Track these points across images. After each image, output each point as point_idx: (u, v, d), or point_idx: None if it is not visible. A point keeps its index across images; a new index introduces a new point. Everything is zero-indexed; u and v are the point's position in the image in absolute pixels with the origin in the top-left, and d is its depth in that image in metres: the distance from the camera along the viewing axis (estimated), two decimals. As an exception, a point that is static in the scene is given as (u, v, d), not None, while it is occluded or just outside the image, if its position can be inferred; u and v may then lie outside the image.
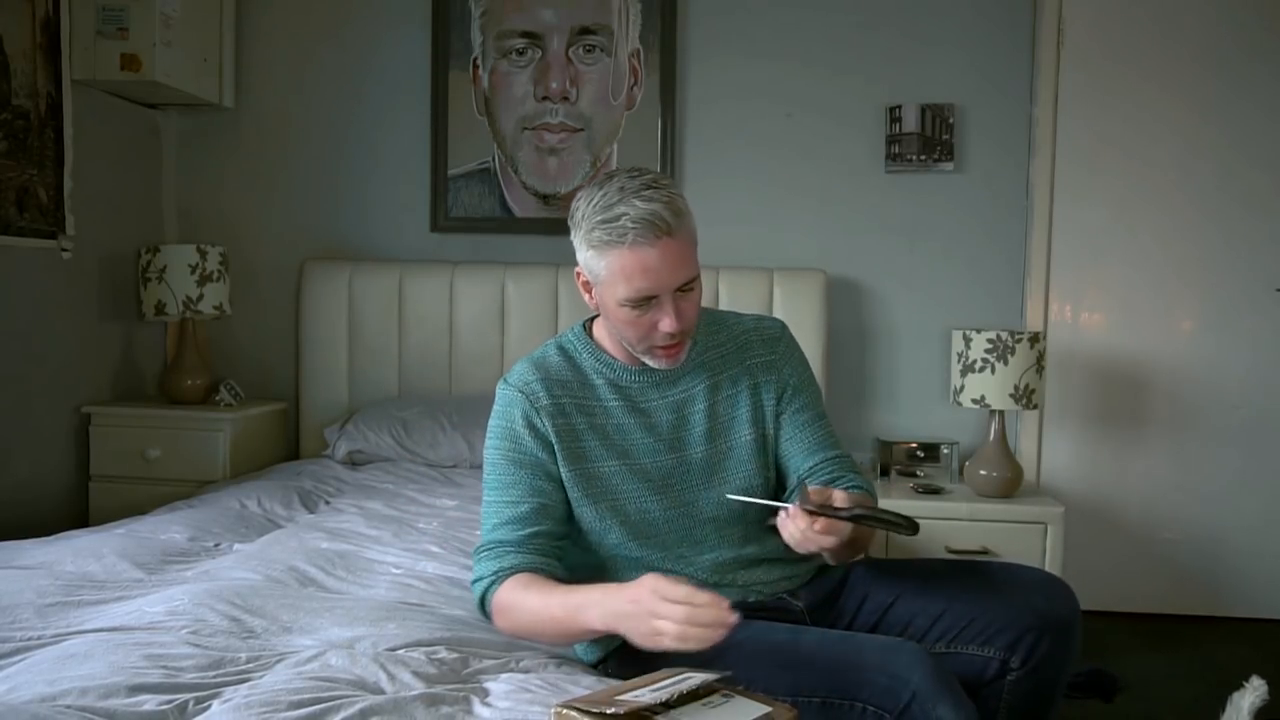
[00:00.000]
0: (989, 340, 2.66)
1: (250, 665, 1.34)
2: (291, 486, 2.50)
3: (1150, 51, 3.03)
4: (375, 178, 3.24)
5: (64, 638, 1.44)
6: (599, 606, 1.28)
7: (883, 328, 3.13)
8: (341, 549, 1.94)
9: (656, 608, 1.18)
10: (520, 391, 1.50)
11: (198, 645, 1.38)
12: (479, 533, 1.52)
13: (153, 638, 1.41)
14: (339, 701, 1.19)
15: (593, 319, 1.59)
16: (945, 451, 2.99)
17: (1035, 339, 2.68)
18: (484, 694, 1.29)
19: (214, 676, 1.29)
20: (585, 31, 3.10)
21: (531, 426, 1.48)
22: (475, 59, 3.14)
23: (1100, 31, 3.03)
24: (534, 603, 1.36)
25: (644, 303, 1.39)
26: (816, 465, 1.54)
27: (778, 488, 1.58)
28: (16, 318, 2.61)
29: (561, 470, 1.47)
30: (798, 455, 1.55)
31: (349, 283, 3.10)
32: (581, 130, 3.13)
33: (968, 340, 2.71)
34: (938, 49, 3.06)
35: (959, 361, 2.73)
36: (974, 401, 2.69)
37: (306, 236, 3.25)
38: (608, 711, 1.03)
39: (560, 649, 1.50)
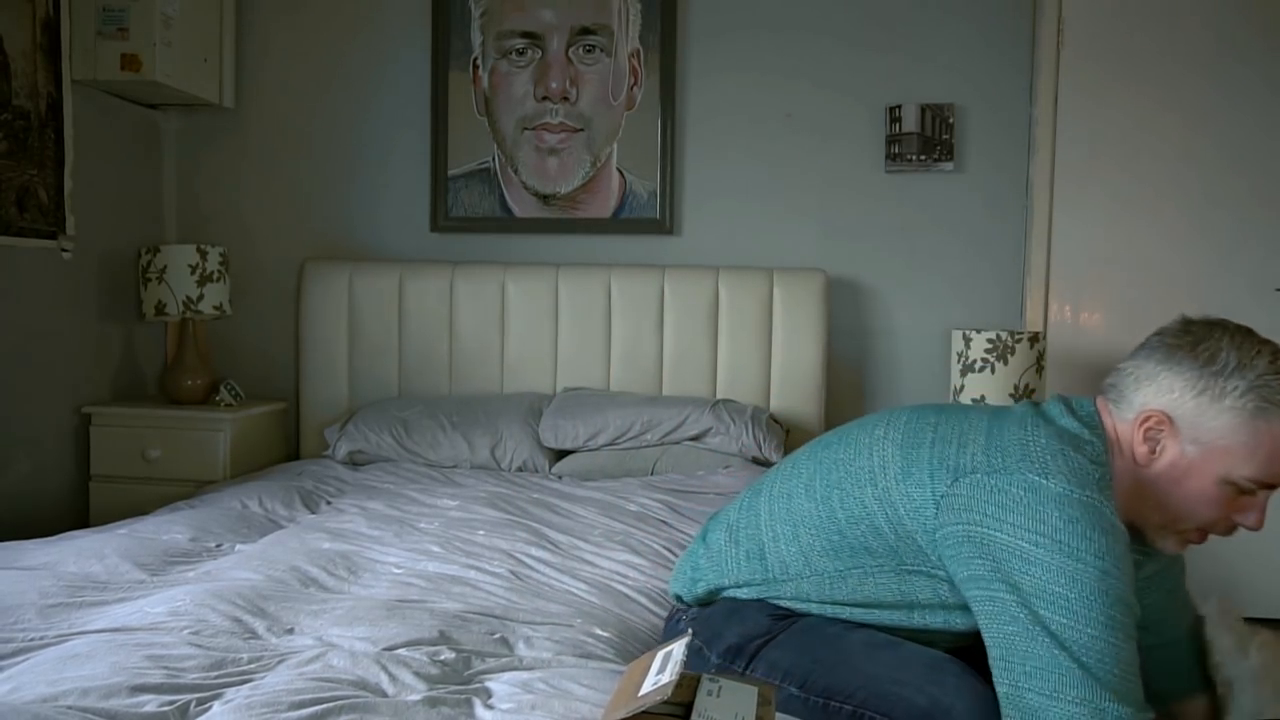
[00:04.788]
0: (989, 340, 2.67)
1: (252, 666, 1.34)
2: (292, 486, 2.49)
3: (1149, 51, 3.03)
4: (375, 178, 3.24)
5: (66, 638, 1.44)
6: None
7: (883, 328, 3.13)
8: (343, 549, 1.94)
9: None
10: (1115, 516, 1.20)
11: (199, 646, 1.38)
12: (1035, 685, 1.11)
13: (154, 638, 1.41)
14: (340, 702, 1.19)
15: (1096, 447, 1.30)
16: (945, 451, 2.99)
17: (1035, 339, 2.68)
18: (486, 695, 1.29)
19: (215, 677, 1.29)
20: (585, 31, 3.10)
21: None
22: (475, 59, 3.14)
23: (1100, 32, 3.03)
24: None
25: (1253, 490, 1.22)
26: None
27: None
28: (16, 318, 2.61)
29: None
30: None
31: (349, 283, 3.10)
32: (581, 130, 3.13)
33: (968, 340, 2.71)
34: (938, 49, 3.06)
35: (959, 361, 2.73)
36: (974, 401, 2.69)
37: (306, 236, 3.25)
38: None
39: (571, 641, 1.49)
